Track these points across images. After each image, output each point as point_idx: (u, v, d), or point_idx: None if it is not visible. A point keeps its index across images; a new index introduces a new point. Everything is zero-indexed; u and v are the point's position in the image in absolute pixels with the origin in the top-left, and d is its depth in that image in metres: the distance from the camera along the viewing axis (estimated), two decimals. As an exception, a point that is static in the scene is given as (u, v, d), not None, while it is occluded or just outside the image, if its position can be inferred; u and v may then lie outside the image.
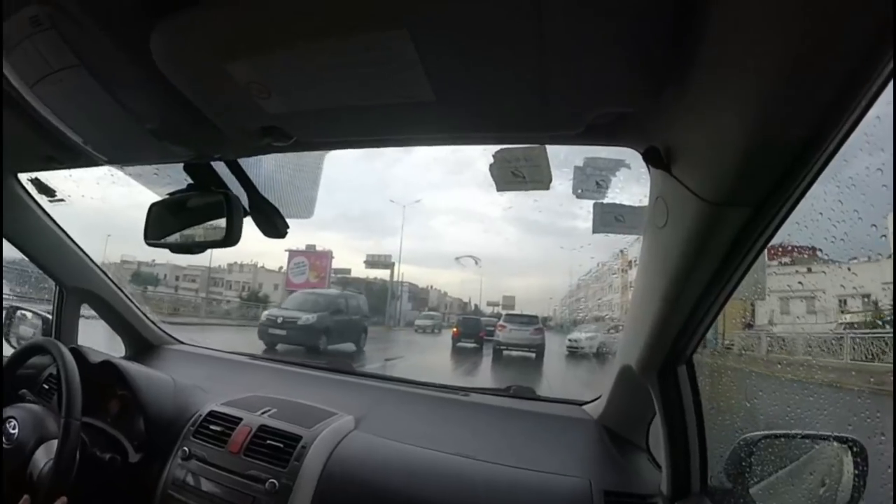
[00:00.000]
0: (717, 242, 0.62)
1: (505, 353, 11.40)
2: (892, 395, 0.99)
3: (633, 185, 0.78)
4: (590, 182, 0.78)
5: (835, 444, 0.99)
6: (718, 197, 0.57)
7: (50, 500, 0.90)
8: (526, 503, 0.93)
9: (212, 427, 1.11)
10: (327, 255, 23.42)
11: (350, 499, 0.98)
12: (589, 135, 0.64)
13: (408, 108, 0.59)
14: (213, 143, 0.79)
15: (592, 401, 1.21)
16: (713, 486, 0.95)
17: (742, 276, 0.69)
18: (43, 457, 0.96)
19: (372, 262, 23.78)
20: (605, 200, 0.84)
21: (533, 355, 11.13)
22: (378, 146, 0.74)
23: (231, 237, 0.80)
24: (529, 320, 12.07)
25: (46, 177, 1.33)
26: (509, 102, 0.58)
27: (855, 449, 0.93)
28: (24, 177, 1.30)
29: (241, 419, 1.10)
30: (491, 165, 0.73)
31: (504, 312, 13.38)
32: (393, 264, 23.27)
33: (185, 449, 1.08)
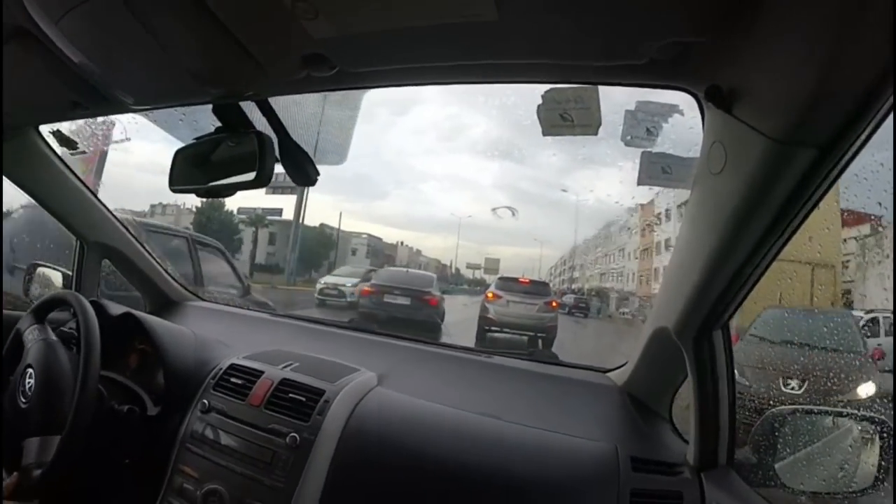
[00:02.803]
0: (781, 185, 0.59)
1: (495, 336, 7.56)
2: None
3: (684, 134, 0.74)
4: (640, 128, 0.75)
5: (863, 423, 0.98)
6: (785, 136, 0.55)
7: (63, 458, 0.89)
8: (552, 465, 0.91)
9: (232, 380, 1.09)
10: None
11: (373, 454, 0.96)
12: (649, 70, 0.61)
13: (465, 31, 0.56)
14: (247, 79, 0.76)
15: (617, 368, 1.19)
16: (739, 459, 0.93)
17: (797, 227, 0.67)
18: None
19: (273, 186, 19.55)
20: (654, 150, 0.81)
21: (539, 343, 7.20)
22: (427, 80, 0.70)
23: (262, 177, 0.78)
24: (538, 289, 8.13)
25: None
26: (574, 25, 0.55)
27: (883, 430, 0.92)
28: (45, 129, 1.28)
29: (262, 372, 1.09)
30: (539, 107, 0.70)
31: (499, 277, 9.02)
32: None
33: (205, 402, 1.07)
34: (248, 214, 17.51)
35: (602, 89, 0.75)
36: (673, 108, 0.75)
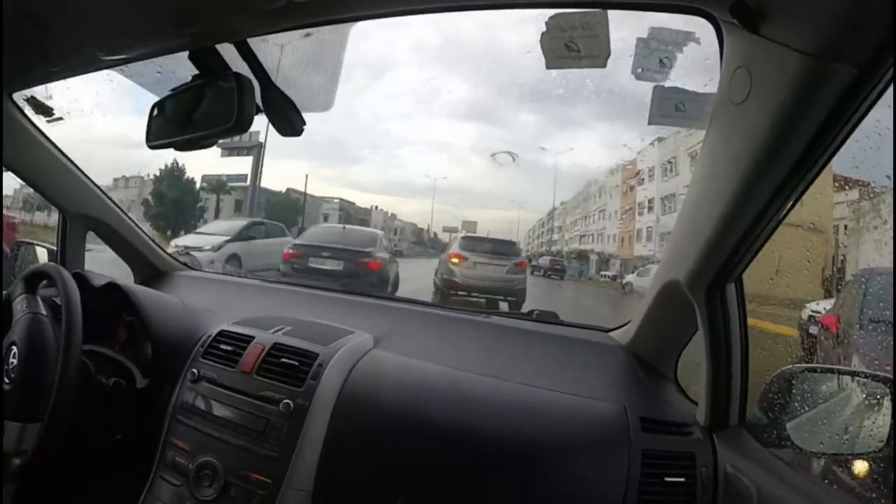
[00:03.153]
0: (814, 110, 0.55)
1: (462, 300, 6.85)
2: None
3: (699, 67, 0.68)
4: (652, 59, 0.69)
5: (874, 382, 0.95)
6: (822, 51, 0.50)
7: (50, 439, 0.85)
8: (559, 426, 0.88)
9: (222, 347, 1.05)
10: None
11: (370, 418, 0.93)
12: None
13: None
14: (222, 16, 0.71)
15: (620, 327, 1.15)
16: (750, 420, 0.90)
17: (824, 165, 0.62)
18: None
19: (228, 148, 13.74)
20: (667, 84, 0.75)
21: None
22: (422, 5, 0.63)
23: (242, 122, 0.72)
24: (505, 248, 7.50)
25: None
26: None
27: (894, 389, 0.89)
28: (18, 97, 1.22)
29: (253, 337, 1.05)
30: (542, 35, 0.64)
31: (462, 235, 8.43)
32: (258, 145, 13.87)
33: (194, 371, 1.03)
34: (211, 182, 16.07)
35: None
36: (689, 36, 0.69)
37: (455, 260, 7.14)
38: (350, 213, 20.30)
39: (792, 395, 0.93)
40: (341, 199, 20.84)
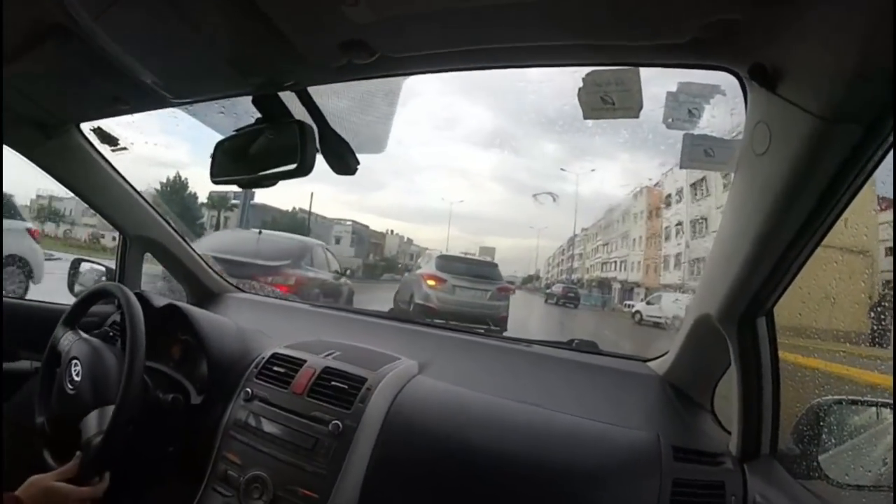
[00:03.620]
0: (827, 164, 0.59)
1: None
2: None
3: (726, 116, 0.73)
4: (682, 110, 0.74)
5: None
6: (831, 114, 0.55)
7: (105, 454, 0.91)
8: (594, 453, 0.91)
9: (275, 369, 1.11)
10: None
11: (414, 441, 0.97)
12: (692, 49, 0.60)
13: (506, 12, 0.56)
14: (286, 69, 0.77)
15: (658, 357, 1.17)
16: (782, 450, 0.91)
17: (844, 209, 0.65)
18: (94, 425, 0.95)
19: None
20: (696, 132, 0.80)
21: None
22: (467, 64, 0.70)
23: (304, 166, 0.78)
24: (487, 271, 6.85)
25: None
26: (616, 3, 0.55)
27: None
28: (85, 127, 1.30)
29: (305, 361, 1.11)
30: (580, 90, 0.70)
31: (438, 254, 7.33)
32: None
33: (248, 390, 1.09)
34: (213, 198, 16.33)
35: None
36: (715, 89, 0.73)
37: (431, 282, 6.35)
38: (363, 236, 19.81)
39: (823, 426, 0.93)
40: (354, 222, 19.95)
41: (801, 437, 0.93)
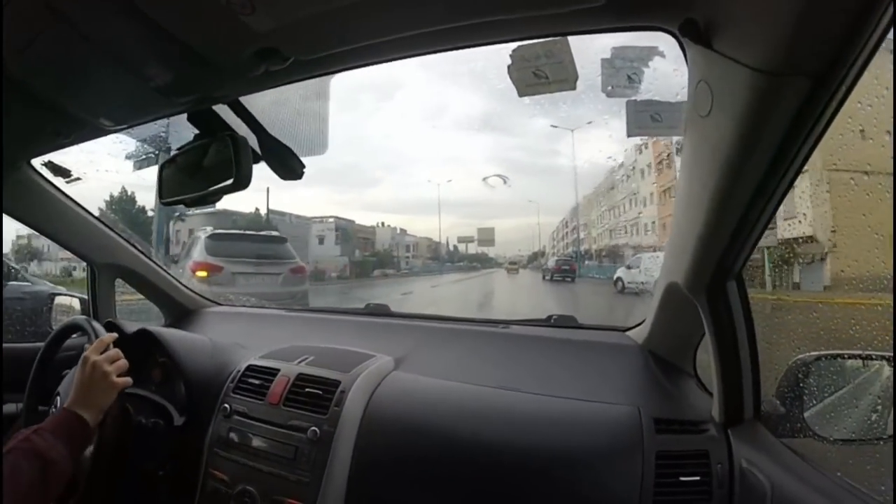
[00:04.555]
0: (775, 121, 0.55)
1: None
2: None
3: (669, 78, 0.70)
4: (620, 76, 0.70)
5: (891, 364, 0.93)
6: (774, 66, 0.51)
7: (96, 480, 0.92)
8: (575, 434, 0.90)
9: (250, 381, 1.11)
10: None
11: (394, 439, 0.97)
12: (613, 11, 0.57)
13: None
14: (210, 84, 0.77)
15: (636, 325, 1.16)
16: (766, 411, 0.90)
17: (803, 164, 0.62)
18: None
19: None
20: (639, 97, 0.76)
21: None
22: (385, 56, 0.68)
23: (240, 180, 0.77)
24: (274, 248, 5.77)
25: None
26: None
27: None
28: (37, 162, 1.29)
29: (278, 370, 1.10)
30: (509, 67, 0.67)
31: (208, 233, 5.68)
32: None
33: (227, 406, 1.10)
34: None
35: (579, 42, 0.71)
36: (653, 51, 0.69)
37: (202, 273, 4.90)
38: (348, 232, 17.87)
39: (807, 383, 0.92)
40: (336, 218, 17.95)
41: (785, 396, 0.92)
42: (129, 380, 0.96)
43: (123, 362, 0.97)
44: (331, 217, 18.15)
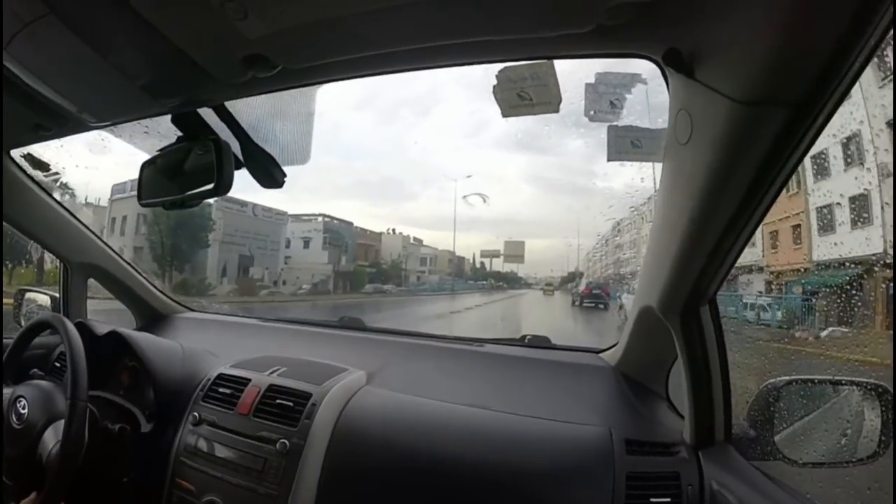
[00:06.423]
0: (752, 150, 0.57)
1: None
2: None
3: (651, 106, 0.71)
4: (602, 102, 0.72)
5: (861, 390, 0.95)
6: (753, 96, 0.52)
7: (60, 481, 0.88)
8: (545, 453, 0.90)
9: (220, 390, 1.09)
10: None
11: (363, 455, 0.95)
12: (600, 37, 0.58)
13: (403, 14, 0.54)
14: (196, 87, 0.76)
15: (609, 348, 1.17)
16: (737, 434, 0.92)
17: (778, 192, 0.64)
18: (52, 438, 0.94)
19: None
20: (620, 123, 0.78)
21: None
22: (373, 70, 0.68)
23: (221, 185, 0.76)
24: None
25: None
26: None
27: (882, 395, 0.89)
28: (16, 153, 1.26)
29: (249, 380, 1.08)
30: (494, 88, 0.68)
31: None
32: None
33: (196, 414, 1.07)
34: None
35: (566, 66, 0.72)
36: (635, 78, 0.71)
37: None
38: (343, 236, 14.60)
39: (778, 407, 0.94)
40: (329, 218, 14.84)
41: (755, 420, 0.93)
42: None
43: None
44: (318, 216, 15.19)
